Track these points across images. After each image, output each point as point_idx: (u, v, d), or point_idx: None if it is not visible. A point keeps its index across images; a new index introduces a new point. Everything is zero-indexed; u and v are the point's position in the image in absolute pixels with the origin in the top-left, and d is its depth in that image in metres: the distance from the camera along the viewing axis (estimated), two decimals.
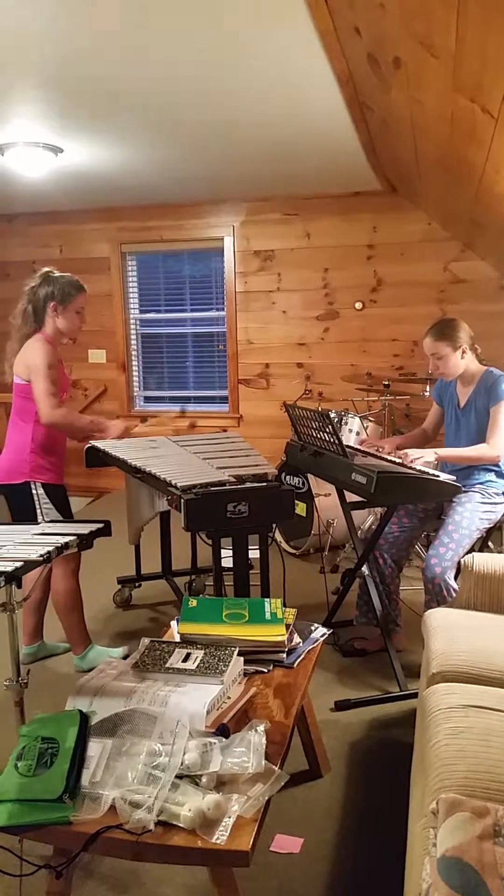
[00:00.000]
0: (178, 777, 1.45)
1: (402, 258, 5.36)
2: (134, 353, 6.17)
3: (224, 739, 1.56)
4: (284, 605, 2.17)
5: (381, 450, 3.07)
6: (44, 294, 2.79)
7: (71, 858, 1.46)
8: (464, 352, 2.95)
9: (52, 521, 2.62)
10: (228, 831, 1.35)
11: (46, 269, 2.87)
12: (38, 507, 2.80)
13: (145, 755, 1.49)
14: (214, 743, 1.53)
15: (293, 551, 4.45)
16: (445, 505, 2.99)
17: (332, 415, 4.39)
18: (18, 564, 1.65)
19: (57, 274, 2.84)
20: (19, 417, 2.80)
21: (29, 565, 1.69)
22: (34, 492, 2.79)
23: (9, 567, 1.63)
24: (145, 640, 1.96)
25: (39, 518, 2.77)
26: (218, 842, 1.33)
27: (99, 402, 6.14)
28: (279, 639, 2.04)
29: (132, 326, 6.13)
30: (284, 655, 2.04)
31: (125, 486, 3.60)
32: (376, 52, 2.52)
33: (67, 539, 1.88)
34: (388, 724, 2.55)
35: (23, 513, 2.80)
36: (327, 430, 2.82)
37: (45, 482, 2.81)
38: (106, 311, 5.98)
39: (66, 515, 2.88)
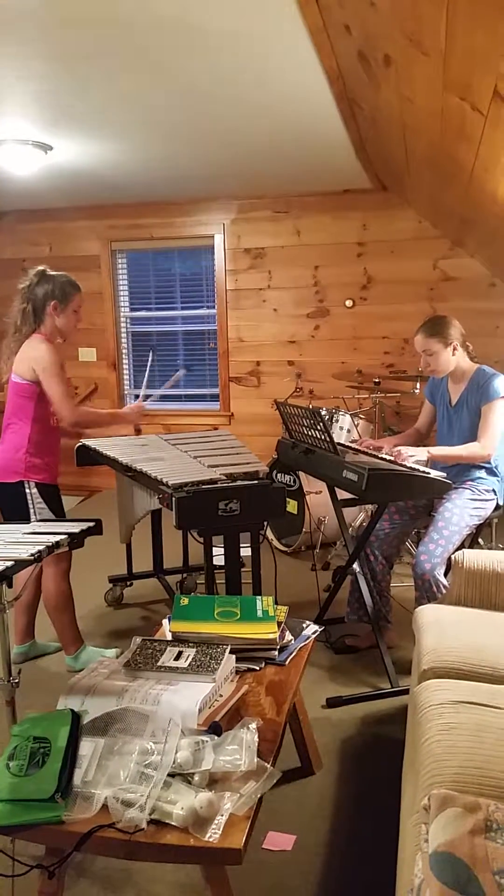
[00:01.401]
0: (171, 775, 1.45)
1: (392, 256, 5.37)
2: (125, 351, 6.16)
3: (216, 737, 1.56)
4: (276, 602, 2.18)
5: (378, 450, 3.07)
6: (43, 293, 2.77)
7: (63, 858, 1.45)
8: (455, 349, 2.95)
9: (42, 521, 2.61)
10: (221, 829, 1.35)
11: (41, 267, 2.83)
12: (31, 506, 2.78)
13: (137, 754, 1.49)
14: (206, 741, 1.53)
15: (284, 549, 4.45)
16: (436, 502, 3.00)
17: (323, 412, 4.39)
18: (9, 564, 1.65)
19: (53, 272, 2.82)
20: (16, 417, 2.79)
21: (20, 564, 1.68)
22: (28, 491, 2.78)
23: None
24: (137, 639, 1.96)
25: (32, 518, 2.76)
26: (210, 840, 1.33)
27: (90, 401, 6.12)
28: (271, 636, 2.04)
29: (122, 325, 6.12)
30: (276, 653, 2.04)
31: (116, 485, 3.59)
32: (366, 50, 2.52)
33: (58, 538, 1.87)
34: (380, 721, 2.56)
35: (15, 512, 2.79)
36: (318, 427, 2.82)
37: (40, 482, 2.80)
38: (96, 309, 5.95)
39: (60, 516, 2.87)
